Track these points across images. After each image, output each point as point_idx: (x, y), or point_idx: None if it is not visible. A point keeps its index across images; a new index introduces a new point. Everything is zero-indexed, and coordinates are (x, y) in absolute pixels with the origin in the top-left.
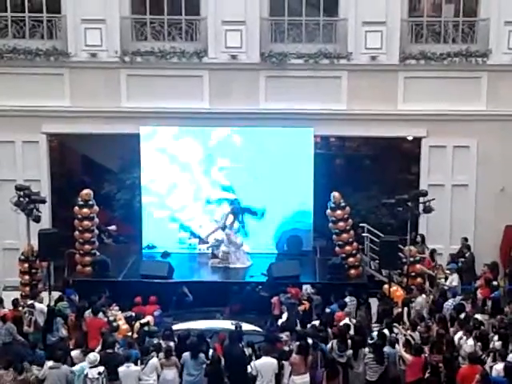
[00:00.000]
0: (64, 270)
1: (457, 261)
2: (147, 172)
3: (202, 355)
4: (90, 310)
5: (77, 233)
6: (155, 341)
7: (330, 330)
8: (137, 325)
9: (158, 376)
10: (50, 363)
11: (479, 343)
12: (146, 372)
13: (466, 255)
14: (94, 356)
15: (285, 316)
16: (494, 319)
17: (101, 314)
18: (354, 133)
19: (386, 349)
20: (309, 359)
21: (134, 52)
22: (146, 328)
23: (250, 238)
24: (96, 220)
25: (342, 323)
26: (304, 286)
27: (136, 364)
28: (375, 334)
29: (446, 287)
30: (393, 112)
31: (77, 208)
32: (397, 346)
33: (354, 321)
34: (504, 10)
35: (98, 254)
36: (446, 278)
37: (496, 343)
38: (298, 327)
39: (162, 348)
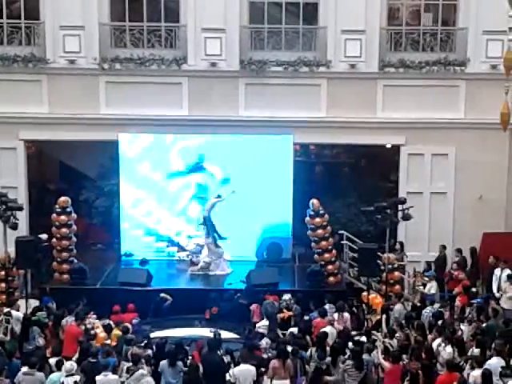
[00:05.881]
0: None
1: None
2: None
3: (179, 363)
4: (66, 318)
5: (54, 240)
6: (137, 349)
7: (308, 337)
8: (116, 332)
9: None
10: (24, 369)
11: (456, 349)
12: (129, 383)
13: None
14: (70, 365)
15: (263, 322)
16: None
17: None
18: (334, 140)
19: (365, 356)
20: (287, 363)
21: (112, 59)
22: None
23: (230, 245)
24: (74, 227)
25: (322, 330)
26: (284, 296)
27: (114, 373)
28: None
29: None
30: (372, 120)
31: (54, 215)
32: (373, 353)
33: (335, 328)
34: (482, 19)
35: (75, 261)
36: (425, 285)
37: (474, 350)
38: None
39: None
